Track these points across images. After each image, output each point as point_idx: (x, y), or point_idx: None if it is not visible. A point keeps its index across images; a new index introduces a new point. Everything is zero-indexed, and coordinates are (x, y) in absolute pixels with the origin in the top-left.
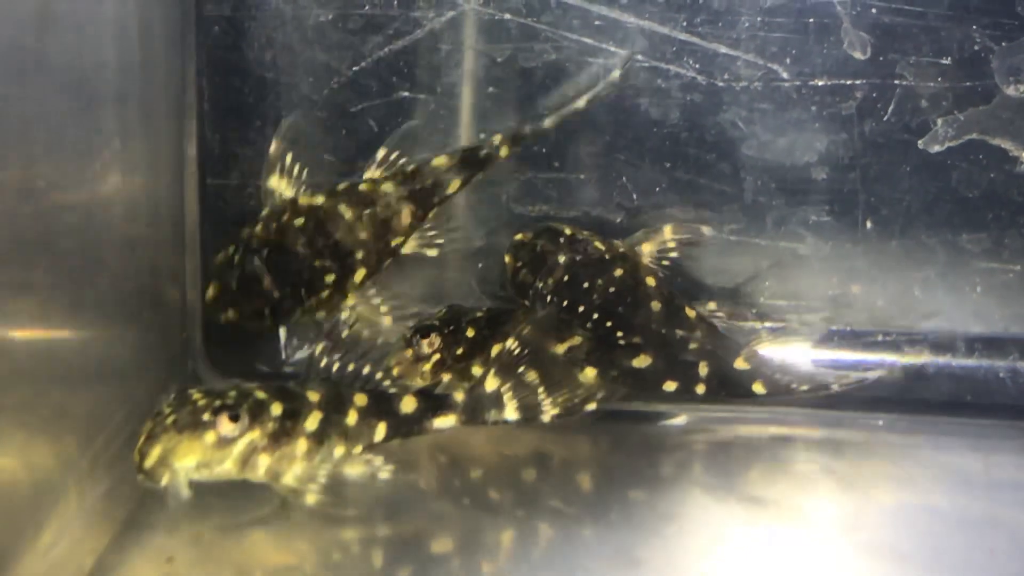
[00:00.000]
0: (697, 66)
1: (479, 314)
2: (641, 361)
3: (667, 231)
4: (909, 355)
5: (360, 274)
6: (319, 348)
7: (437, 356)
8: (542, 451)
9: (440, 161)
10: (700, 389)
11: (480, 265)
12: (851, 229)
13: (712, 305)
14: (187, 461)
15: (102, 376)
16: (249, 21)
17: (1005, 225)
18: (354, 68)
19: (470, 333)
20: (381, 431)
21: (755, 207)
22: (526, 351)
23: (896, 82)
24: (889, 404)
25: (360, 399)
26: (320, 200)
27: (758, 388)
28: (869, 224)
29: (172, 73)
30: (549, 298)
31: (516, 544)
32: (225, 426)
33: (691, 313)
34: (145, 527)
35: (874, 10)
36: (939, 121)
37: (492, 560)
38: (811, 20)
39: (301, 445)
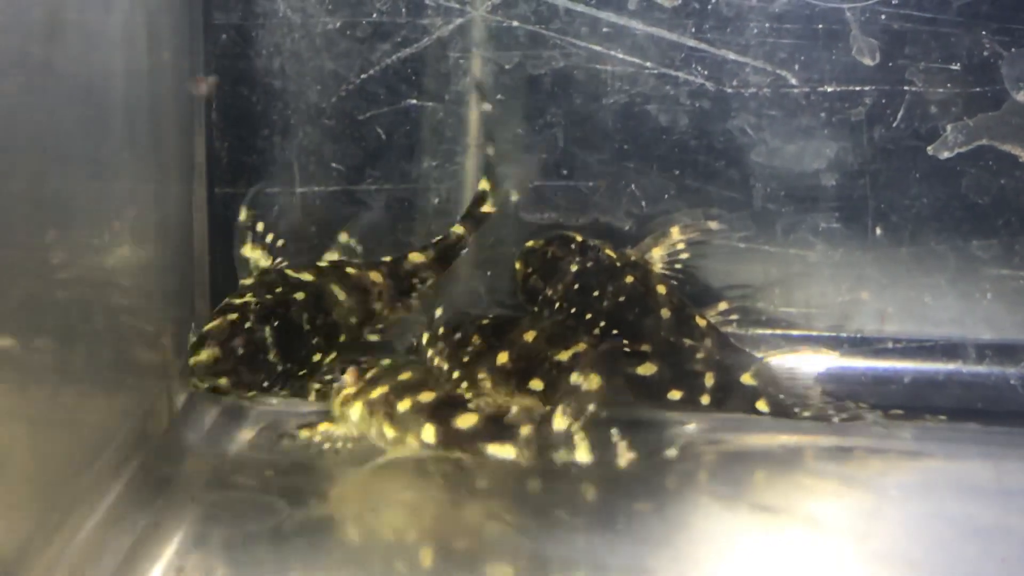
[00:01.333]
0: (706, 72)
1: (485, 321)
2: (647, 369)
3: (674, 232)
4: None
5: (331, 357)
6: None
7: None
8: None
9: (417, 257)
10: (705, 400)
11: (489, 273)
12: (861, 236)
13: (724, 305)
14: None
15: (105, 383)
16: (257, 29)
17: (1015, 231)
18: (362, 76)
19: (476, 340)
20: (429, 433)
21: (764, 214)
22: (595, 388)
23: (905, 88)
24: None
25: (426, 395)
26: (310, 277)
27: (761, 406)
28: (879, 231)
29: (181, 82)
30: (559, 305)
31: (522, 555)
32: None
33: (701, 322)
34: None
35: (883, 16)
36: (949, 127)
37: (497, 571)
38: (820, 26)
39: (357, 407)
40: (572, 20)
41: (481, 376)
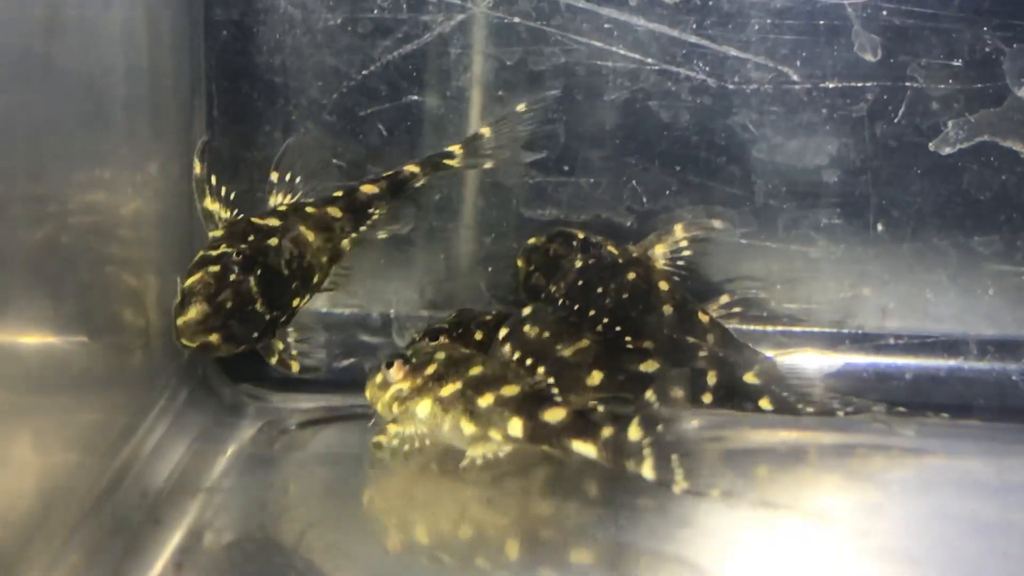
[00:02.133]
0: (707, 69)
1: (488, 317)
2: (649, 366)
3: (678, 230)
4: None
5: (305, 299)
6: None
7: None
8: (550, 456)
9: (369, 188)
10: (707, 399)
11: (490, 269)
12: (862, 232)
13: (725, 298)
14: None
15: (111, 383)
16: (258, 25)
17: (1017, 227)
18: (363, 72)
19: (479, 336)
20: (516, 427)
21: (766, 210)
22: (666, 411)
23: (907, 84)
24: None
25: (509, 389)
26: (277, 222)
27: (764, 404)
28: (880, 227)
29: (181, 78)
30: (561, 301)
31: (523, 551)
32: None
33: (704, 318)
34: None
35: (885, 12)
36: (950, 123)
37: (500, 567)
38: (821, 22)
39: (425, 404)
40: (573, 16)
41: None
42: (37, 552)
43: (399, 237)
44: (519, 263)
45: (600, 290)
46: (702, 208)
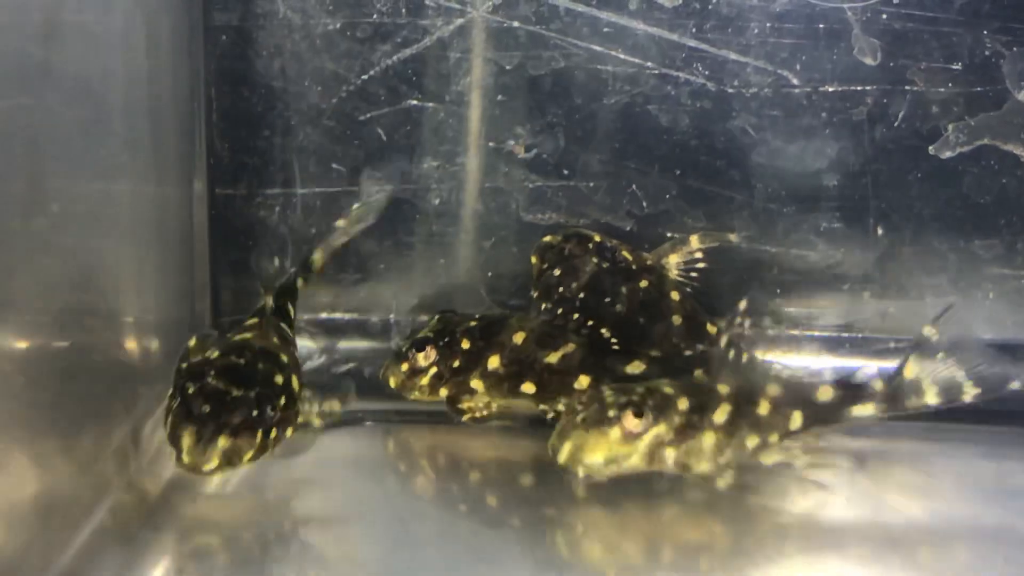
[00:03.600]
0: (707, 72)
1: (472, 323)
2: (635, 367)
3: (694, 240)
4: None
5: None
6: (724, 340)
7: (434, 369)
8: (541, 456)
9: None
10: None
11: (490, 274)
12: (862, 236)
13: (743, 304)
14: (595, 457)
15: (108, 387)
16: (257, 30)
17: (1017, 231)
18: (362, 76)
19: (465, 345)
20: (797, 420)
21: (766, 214)
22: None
23: (907, 88)
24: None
25: (773, 389)
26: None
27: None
28: (880, 231)
29: (180, 83)
30: (571, 303)
31: (513, 550)
32: (630, 422)
33: (712, 329)
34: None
35: (884, 16)
36: (950, 127)
37: (488, 565)
38: (821, 26)
39: (709, 438)
40: (573, 20)
41: (473, 381)
42: (35, 557)
43: (399, 241)
44: (533, 260)
45: (611, 295)
46: (703, 219)
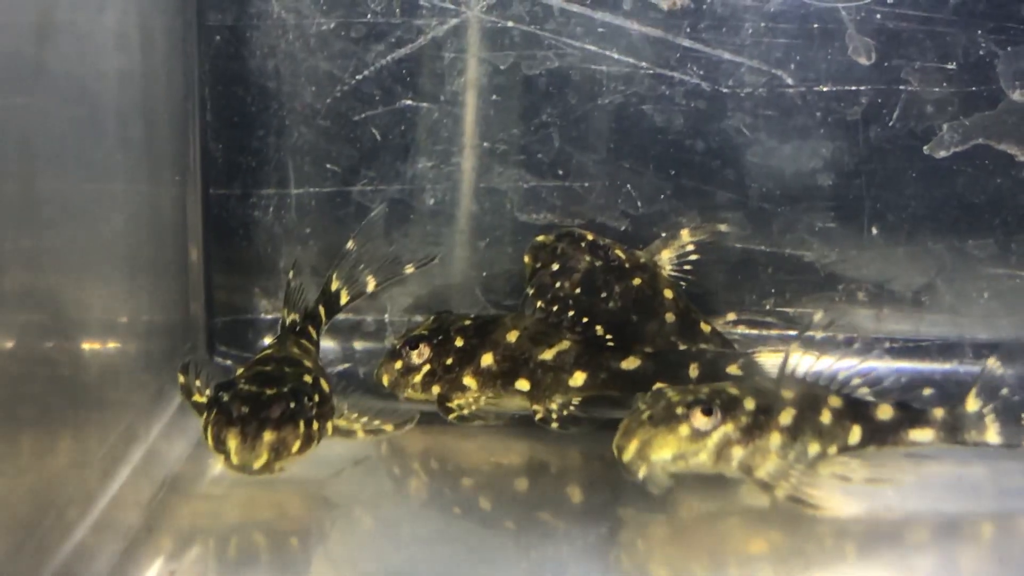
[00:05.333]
0: (701, 72)
1: (467, 322)
2: (630, 363)
3: (684, 234)
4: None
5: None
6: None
7: (427, 367)
8: (536, 460)
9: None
10: None
11: (485, 274)
12: (857, 235)
13: (732, 316)
14: (663, 454)
15: (105, 388)
16: (251, 30)
17: (1012, 230)
18: (357, 76)
19: (459, 343)
20: (856, 434)
21: (760, 214)
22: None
23: (901, 87)
24: None
25: (834, 400)
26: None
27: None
28: (875, 230)
29: (174, 83)
30: (565, 302)
31: (505, 555)
32: (699, 419)
33: (706, 327)
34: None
35: (878, 15)
36: (945, 126)
37: (484, 566)
38: (815, 25)
39: (775, 439)
40: (567, 20)
41: (467, 379)
42: (28, 558)
43: (394, 242)
44: (526, 259)
45: (604, 294)
46: (697, 214)
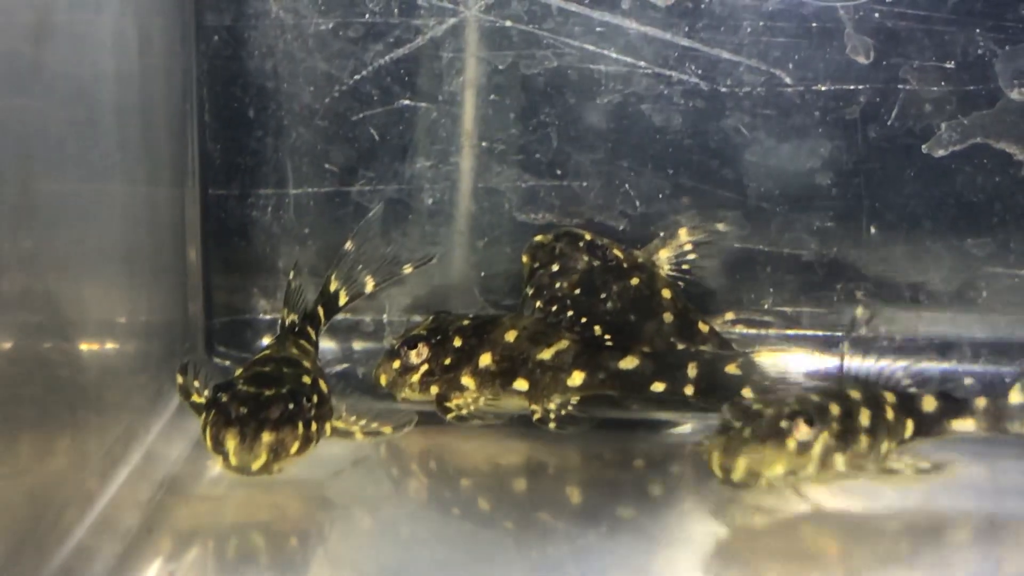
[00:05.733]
0: (699, 72)
1: (465, 322)
2: (628, 363)
3: (682, 234)
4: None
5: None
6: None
7: (425, 367)
8: (535, 460)
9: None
10: (689, 391)
11: (483, 274)
12: (855, 234)
13: (730, 315)
14: (776, 469)
15: (104, 388)
16: (249, 31)
17: (1010, 229)
18: (355, 76)
19: (457, 343)
20: (909, 428)
21: (759, 213)
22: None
23: (900, 86)
24: None
25: (890, 396)
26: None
27: (747, 394)
28: (873, 229)
29: (172, 83)
30: (563, 302)
31: (508, 551)
32: (803, 431)
33: (704, 327)
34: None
35: (877, 14)
36: (943, 125)
37: (482, 566)
38: (814, 25)
39: (864, 441)
40: (565, 20)
41: (465, 379)
42: (27, 558)
43: (393, 241)
44: (524, 259)
45: (602, 294)
46: (695, 213)
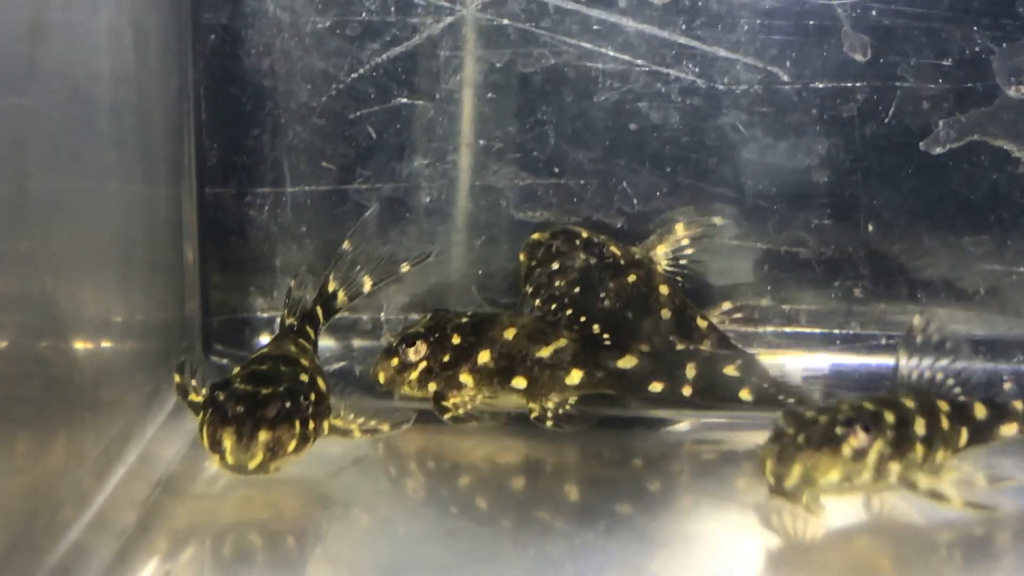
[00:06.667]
0: (697, 70)
1: (464, 320)
2: (627, 362)
3: (679, 229)
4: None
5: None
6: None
7: (424, 364)
8: (532, 458)
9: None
10: (687, 391)
11: (480, 272)
12: (853, 232)
13: (727, 305)
14: (831, 477)
15: (100, 388)
16: (246, 29)
17: (1007, 227)
18: (352, 75)
19: (455, 340)
20: (964, 437)
21: (756, 211)
22: None
23: (897, 84)
24: None
25: (943, 405)
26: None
27: (745, 395)
28: (871, 227)
29: (169, 82)
30: (560, 300)
31: (502, 553)
32: (860, 438)
33: (702, 323)
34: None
35: (874, 12)
36: (940, 123)
37: (481, 565)
38: (811, 22)
39: (919, 450)
40: (563, 18)
41: (463, 376)
42: (24, 557)
43: (390, 240)
44: (521, 257)
45: (600, 291)
46: (692, 208)
